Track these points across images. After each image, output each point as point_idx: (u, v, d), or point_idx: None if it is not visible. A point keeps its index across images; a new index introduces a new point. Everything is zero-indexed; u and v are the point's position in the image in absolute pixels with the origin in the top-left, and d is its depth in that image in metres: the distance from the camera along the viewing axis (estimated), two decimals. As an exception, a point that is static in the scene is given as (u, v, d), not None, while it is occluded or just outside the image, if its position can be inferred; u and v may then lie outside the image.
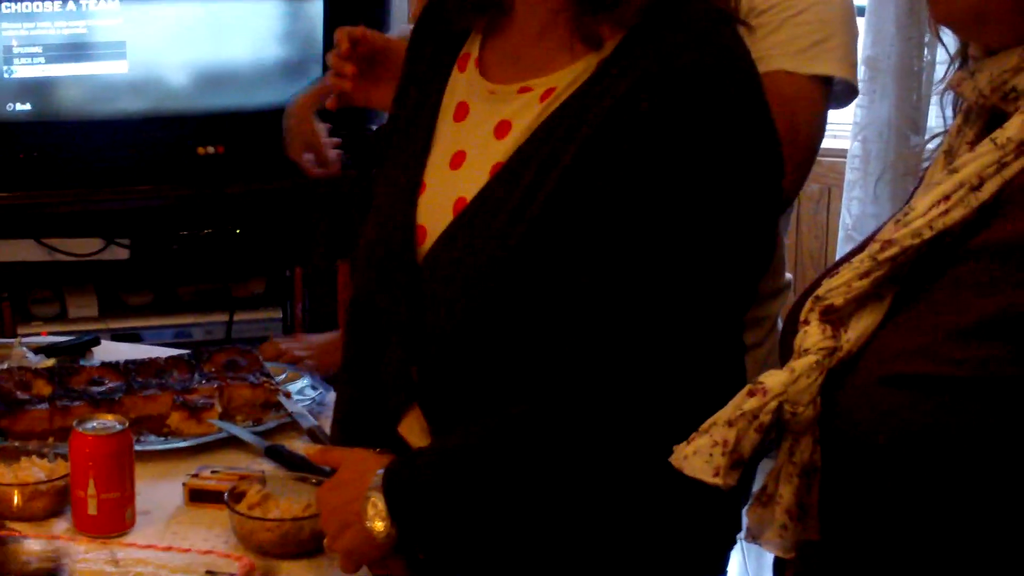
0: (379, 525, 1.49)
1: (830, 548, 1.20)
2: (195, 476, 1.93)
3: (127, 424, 1.81)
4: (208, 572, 1.53)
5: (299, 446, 2.06)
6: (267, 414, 2.19)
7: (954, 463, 1.07)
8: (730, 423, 1.17)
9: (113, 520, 1.77)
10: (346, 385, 1.81)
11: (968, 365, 1.06)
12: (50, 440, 2.04)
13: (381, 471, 1.51)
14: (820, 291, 1.18)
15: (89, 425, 1.79)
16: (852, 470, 1.14)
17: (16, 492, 1.82)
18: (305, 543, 1.72)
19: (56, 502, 1.83)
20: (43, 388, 2.24)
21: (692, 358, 1.42)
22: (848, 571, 1.20)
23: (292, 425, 2.16)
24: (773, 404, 1.16)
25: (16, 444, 1.98)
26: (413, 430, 1.60)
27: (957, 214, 1.12)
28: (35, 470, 1.87)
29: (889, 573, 1.16)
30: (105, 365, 2.35)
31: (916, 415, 1.07)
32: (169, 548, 1.60)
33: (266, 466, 1.98)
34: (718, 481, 1.17)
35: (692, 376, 1.40)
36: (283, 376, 2.37)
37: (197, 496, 1.89)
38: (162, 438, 2.10)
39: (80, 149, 3.45)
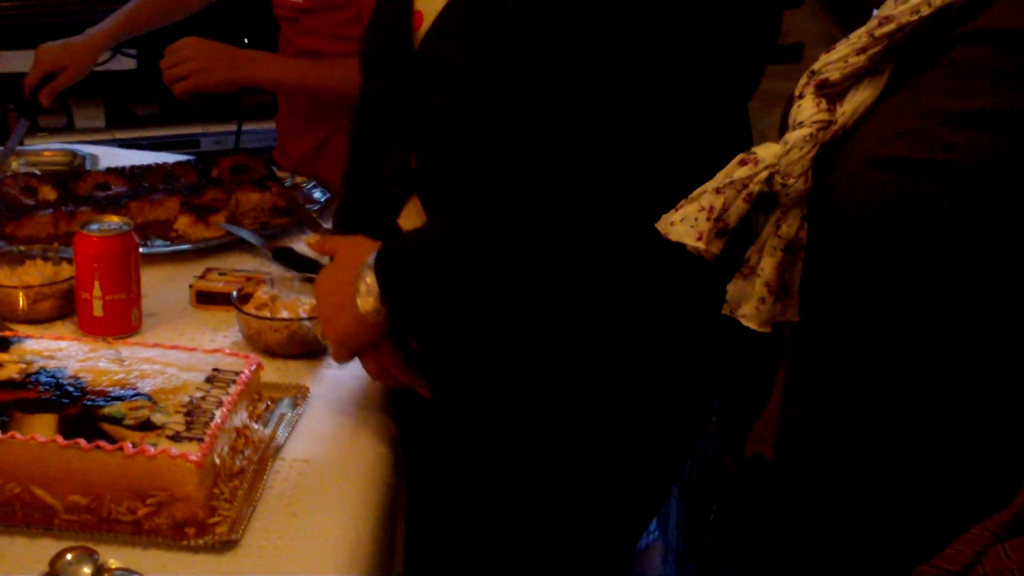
0: (369, 302, 1.47)
1: (809, 329, 1.18)
2: (202, 278, 1.91)
3: (132, 224, 1.78)
4: (215, 370, 1.50)
5: (307, 249, 2.03)
6: (275, 218, 2.16)
7: (939, 247, 1.04)
8: (718, 190, 1.15)
9: (119, 321, 1.76)
10: (349, 183, 1.78)
11: (960, 151, 1.03)
12: (55, 245, 2.01)
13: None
14: (816, 66, 1.15)
15: (93, 226, 1.76)
16: (838, 250, 1.12)
17: (21, 295, 1.80)
18: (312, 343, 1.71)
19: (61, 304, 1.82)
20: (48, 194, 2.21)
21: (686, 134, 1.38)
22: (828, 358, 1.18)
23: (300, 228, 2.13)
24: (764, 174, 1.13)
25: (21, 248, 1.96)
26: (412, 220, 1.57)
27: None
28: (40, 273, 1.85)
29: (869, 357, 1.14)
30: (111, 171, 2.32)
31: (904, 198, 1.05)
32: (175, 347, 1.58)
33: (274, 268, 1.96)
34: (700, 245, 1.15)
35: (686, 153, 1.37)
36: (291, 181, 2.34)
37: (204, 298, 1.87)
38: (168, 242, 2.07)
39: (86, -42, 3.37)
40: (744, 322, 1.17)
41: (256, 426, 1.50)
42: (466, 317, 1.48)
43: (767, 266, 1.15)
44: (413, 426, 1.64)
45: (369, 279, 1.46)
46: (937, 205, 1.04)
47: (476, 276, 1.44)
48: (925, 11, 1.09)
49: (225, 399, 1.45)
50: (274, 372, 1.65)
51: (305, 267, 1.93)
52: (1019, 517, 1.07)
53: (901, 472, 1.14)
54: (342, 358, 1.57)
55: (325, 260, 1.93)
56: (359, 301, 1.47)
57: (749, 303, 1.16)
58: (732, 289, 1.18)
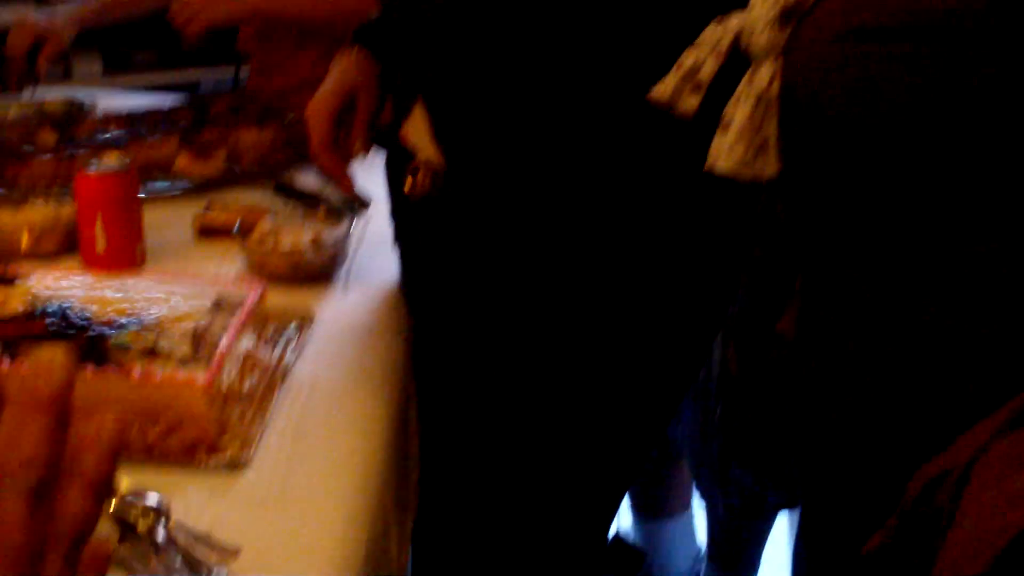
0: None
1: (788, 184, 1.19)
2: (204, 212, 1.91)
3: (131, 162, 1.78)
4: (219, 298, 1.50)
5: (309, 181, 2.03)
6: (274, 154, 2.16)
7: (906, 113, 1.04)
8: (692, 48, 1.21)
9: (123, 256, 1.76)
10: None
11: (926, 14, 1.02)
12: (56, 188, 2.01)
13: None
14: None
15: (94, 166, 1.77)
16: (807, 118, 1.13)
17: (24, 232, 1.81)
18: (315, 272, 1.71)
19: (64, 242, 1.82)
20: (48, 138, 2.22)
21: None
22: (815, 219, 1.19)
23: (299, 162, 2.13)
24: (732, 34, 1.18)
25: (23, 191, 1.96)
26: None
27: None
28: (42, 211, 1.85)
29: (847, 215, 1.14)
30: (109, 115, 2.32)
31: (868, 69, 1.05)
32: (180, 278, 1.58)
33: (275, 201, 1.96)
34: (664, 93, 1.19)
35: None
36: (290, 117, 2.33)
37: (207, 231, 1.87)
38: (170, 180, 2.07)
39: None
40: (717, 170, 1.18)
41: (263, 351, 1.51)
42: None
43: (739, 115, 1.17)
44: (423, 345, 1.65)
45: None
46: (901, 69, 1.03)
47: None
48: None
49: (231, 325, 1.45)
50: (279, 300, 1.65)
51: (305, 199, 1.93)
52: (1021, 411, 1.07)
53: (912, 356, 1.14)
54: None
55: (326, 192, 1.94)
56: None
57: (722, 153, 1.18)
58: (712, 146, 1.20)
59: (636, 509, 2.52)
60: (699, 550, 2.53)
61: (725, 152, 1.18)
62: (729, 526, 2.35)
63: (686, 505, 2.51)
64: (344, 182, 1.67)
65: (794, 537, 1.67)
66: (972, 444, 1.07)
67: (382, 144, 1.70)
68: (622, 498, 1.71)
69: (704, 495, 2.26)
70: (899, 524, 1.06)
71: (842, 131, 1.08)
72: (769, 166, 1.17)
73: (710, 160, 1.19)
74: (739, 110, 1.17)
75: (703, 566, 2.45)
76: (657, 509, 2.48)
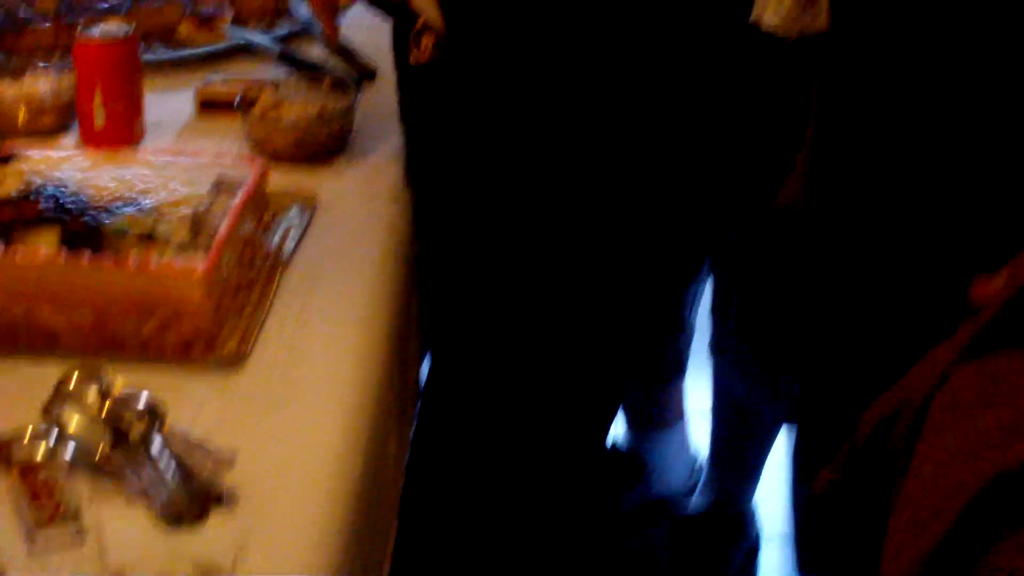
0: None
1: (836, 39, 1.14)
2: (206, 84, 1.85)
3: (132, 28, 1.72)
4: (219, 178, 1.44)
5: (314, 52, 1.97)
6: (279, 20, 2.09)
7: None
8: None
9: (121, 131, 1.70)
10: None
11: None
12: (56, 56, 1.95)
13: None
14: None
15: (93, 31, 1.70)
16: None
17: (22, 107, 1.76)
18: (319, 147, 1.66)
19: (63, 117, 1.77)
20: (47, 5, 2.15)
21: None
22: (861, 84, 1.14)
23: (306, 31, 2.06)
24: None
25: (21, 60, 1.90)
26: None
27: None
28: (41, 84, 1.80)
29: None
30: (111, -23, 2.25)
31: None
32: (179, 154, 1.53)
33: (279, 72, 1.90)
34: None
35: None
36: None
37: (209, 104, 1.82)
38: (172, 49, 2.01)
39: None
40: (764, 24, 1.12)
41: (263, 236, 1.47)
42: None
43: None
44: (426, 227, 1.60)
45: None
46: None
47: None
48: None
49: (230, 208, 1.40)
50: (281, 179, 1.60)
51: (311, 68, 1.87)
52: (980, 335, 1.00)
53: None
54: None
55: (331, 63, 1.88)
56: None
57: (770, 5, 1.12)
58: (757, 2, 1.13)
59: (631, 424, 2.49)
60: (695, 459, 2.50)
61: (773, 5, 1.12)
62: (739, 435, 2.31)
63: (680, 415, 2.48)
64: (329, 26, 1.60)
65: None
66: (928, 375, 1.00)
67: (385, 6, 1.63)
68: (622, 398, 1.67)
69: (749, 403, 2.21)
70: (848, 462, 1.02)
71: None
72: (819, 19, 1.11)
73: (756, 12, 1.13)
74: None
75: (701, 475, 2.43)
76: (653, 422, 2.46)
